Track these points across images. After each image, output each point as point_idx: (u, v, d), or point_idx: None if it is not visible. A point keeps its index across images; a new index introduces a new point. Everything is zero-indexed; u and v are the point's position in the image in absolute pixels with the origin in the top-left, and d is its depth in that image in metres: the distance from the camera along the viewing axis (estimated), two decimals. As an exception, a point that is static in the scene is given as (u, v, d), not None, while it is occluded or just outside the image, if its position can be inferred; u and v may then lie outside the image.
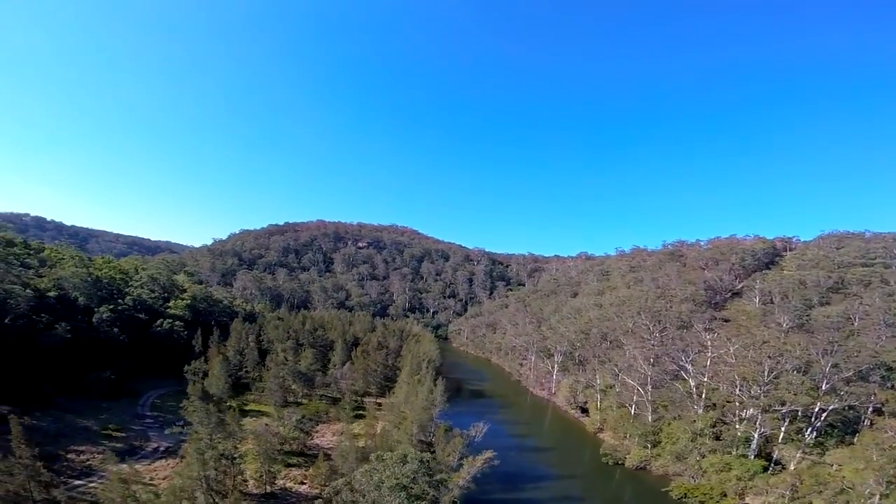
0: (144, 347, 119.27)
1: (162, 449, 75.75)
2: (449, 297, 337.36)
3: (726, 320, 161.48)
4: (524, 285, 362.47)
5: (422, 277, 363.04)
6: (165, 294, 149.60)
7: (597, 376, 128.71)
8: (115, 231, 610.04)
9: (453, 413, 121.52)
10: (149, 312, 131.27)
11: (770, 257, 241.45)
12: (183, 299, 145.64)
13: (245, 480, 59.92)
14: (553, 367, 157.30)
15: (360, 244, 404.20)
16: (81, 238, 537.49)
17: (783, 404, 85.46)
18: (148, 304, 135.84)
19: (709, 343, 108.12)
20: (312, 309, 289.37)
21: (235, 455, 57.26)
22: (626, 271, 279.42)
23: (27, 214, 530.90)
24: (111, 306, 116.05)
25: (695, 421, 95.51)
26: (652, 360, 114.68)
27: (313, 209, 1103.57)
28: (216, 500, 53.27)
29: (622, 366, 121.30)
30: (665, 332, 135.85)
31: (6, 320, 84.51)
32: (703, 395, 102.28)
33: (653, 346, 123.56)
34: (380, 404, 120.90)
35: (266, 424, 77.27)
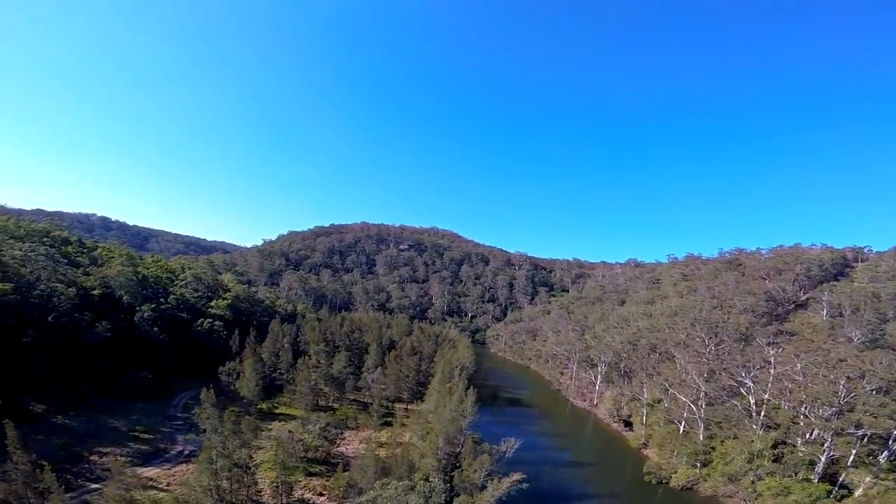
0: (184, 347, 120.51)
1: (186, 452, 74.48)
2: (488, 302, 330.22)
3: (792, 333, 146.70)
4: (568, 291, 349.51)
5: (461, 281, 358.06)
6: (209, 293, 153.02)
7: (644, 389, 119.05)
8: (174, 231, 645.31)
9: (487, 423, 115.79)
10: (191, 312, 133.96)
11: (839, 268, 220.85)
12: (225, 299, 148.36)
13: (259, 491, 57.09)
14: (596, 378, 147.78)
15: (401, 246, 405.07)
16: (143, 237, 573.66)
17: (859, 427, 74.62)
18: (190, 303, 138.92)
19: (773, 358, 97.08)
20: (354, 310, 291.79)
21: (250, 464, 54.48)
22: (679, 279, 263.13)
23: (94, 214, 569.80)
24: (153, 305, 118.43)
25: (753, 441, 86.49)
26: (706, 375, 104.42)
27: (357, 211, 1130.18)
28: (226, 511, 50.65)
29: (673, 380, 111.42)
30: (721, 345, 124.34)
31: (49, 318, 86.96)
32: (763, 414, 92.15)
33: (708, 360, 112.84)
34: (410, 411, 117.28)
35: (290, 431, 74.73)
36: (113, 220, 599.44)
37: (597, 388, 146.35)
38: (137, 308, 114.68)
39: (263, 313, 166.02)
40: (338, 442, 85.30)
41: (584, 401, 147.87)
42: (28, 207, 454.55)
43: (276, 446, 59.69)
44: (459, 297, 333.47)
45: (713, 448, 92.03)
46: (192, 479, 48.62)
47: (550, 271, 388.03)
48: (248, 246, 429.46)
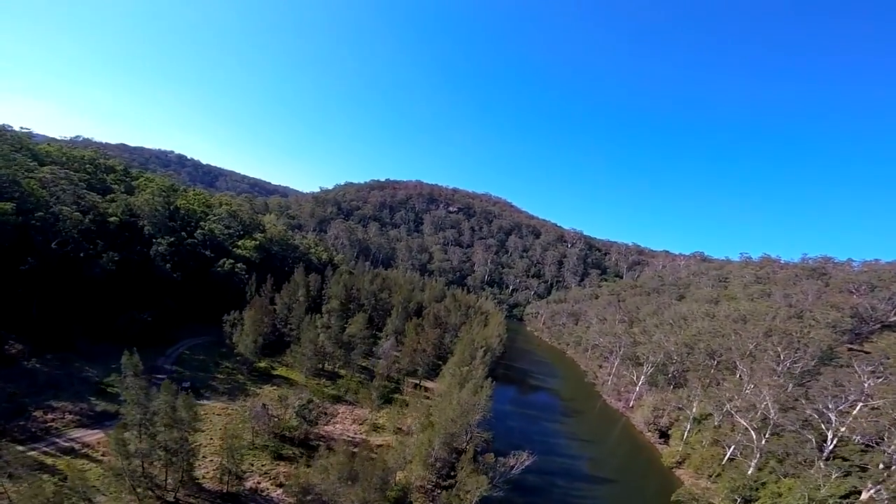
0: (201, 288, 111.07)
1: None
2: (532, 277, 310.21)
3: (867, 352, 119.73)
4: (622, 278, 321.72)
5: (507, 251, 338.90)
6: (242, 232, 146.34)
7: (694, 401, 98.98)
8: (242, 172, 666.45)
9: (506, 413, 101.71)
10: (217, 250, 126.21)
11: None
12: (254, 239, 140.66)
13: (195, 478, 46.20)
14: (638, 378, 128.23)
15: (450, 209, 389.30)
16: (213, 176, 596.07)
17: None
18: (218, 240, 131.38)
19: (868, 388, 75.41)
20: (395, 266, 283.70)
21: (184, 447, 43.23)
22: (751, 281, 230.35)
23: (172, 152, 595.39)
24: (172, 239, 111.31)
25: (819, 486, 66.68)
26: (782, 400, 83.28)
27: (414, 169, 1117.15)
28: (140, 497, 39.92)
29: (733, 397, 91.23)
30: (798, 363, 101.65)
31: (53, 245, 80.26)
32: (837, 456, 71.93)
33: (781, 380, 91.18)
34: (422, 388, 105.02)
35: (263, 405, 63.75)
36: (189, 157, 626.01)
37: (637, 389, 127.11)
38: (155, 241, 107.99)
39: (298, 260, 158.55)
40: (325, 419, 74.33)
41: (620, 401, 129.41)
42: (113, 142, 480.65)
43: (224, 430, 47.79)
44: (503, 267, 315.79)
45: (763, 484, 73.22)
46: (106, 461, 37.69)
47: (605, 253, 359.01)
48: (306, 192, 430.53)
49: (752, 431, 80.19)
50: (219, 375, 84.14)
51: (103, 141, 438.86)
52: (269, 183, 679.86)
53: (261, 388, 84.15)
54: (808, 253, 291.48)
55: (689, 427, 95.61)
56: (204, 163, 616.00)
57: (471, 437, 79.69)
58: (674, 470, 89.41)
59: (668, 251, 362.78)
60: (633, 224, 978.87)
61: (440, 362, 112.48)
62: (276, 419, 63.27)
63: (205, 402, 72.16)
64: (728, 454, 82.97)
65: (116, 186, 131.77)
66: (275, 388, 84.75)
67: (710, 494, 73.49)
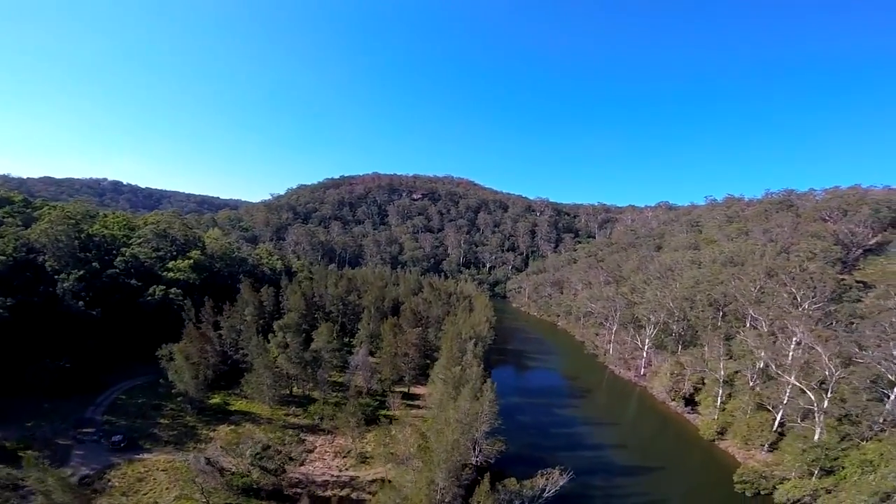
0: (129, 322, 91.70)
1: (78, 477, 49.92)
2: (508, 251, 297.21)
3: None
4: (594, 238, 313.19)
5: (478, 229, 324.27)
6: (176, 252, 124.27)
7: (720, 361, 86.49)
8: (187, 191, 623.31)
9: (512, 407, 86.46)
10: (145, 277, 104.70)
11: None
12: (188, 258, 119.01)
13: None
14: (643, 342, 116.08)
15: (414, 196, 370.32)
16: (155, 199, 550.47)
17: None
18: (146, 265, 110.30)
19: None
20: (364, 263, 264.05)
21: None
22: (723, 222, 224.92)
23: (105, 179, 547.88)
24: (82, 272, 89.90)
25: None
26: (837, 350, 71.50)
27: (368, 162, 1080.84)
28: None
29: (762, 351, 79.31)
30: (816, 302, 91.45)
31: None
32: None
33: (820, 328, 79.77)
34: (412, 396, 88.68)
35: (208, 460, 46.18)
36: (125, 183, 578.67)
37: (644, 354, 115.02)
38: (59, 277, 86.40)
39: (249, 273, 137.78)
40: (299, 460, 57.25)
41: (629, 370, 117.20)
42: (36, 176, 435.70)
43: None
44: (477, 246, 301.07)
45: (845, 451, 60.91)
46: None
47: (574, 217, 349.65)
48: (256, 202, 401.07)
49: (808, 392, 67.56)
50: (162, 421, 68.97)
51: (23, 176, 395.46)
52: (218, 198, 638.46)
53: (215, 429, 67.74)
54: (771, 188, 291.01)
55: (720, 391, 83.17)
56: (143, 186, 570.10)
57: (480, 451, 64.63)
58: (716, 442, 77.17)
59: (633, 205, 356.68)
60: (597, 184, 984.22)
61: (428, 361, 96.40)
62: (229, 473, 45.52)
63: (144, 455, 57.65)
64: (778, 419, 70.99)
65: (11, 219, 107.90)
66: (232, 427, 67.86)
67: (777, 469, 60.62)
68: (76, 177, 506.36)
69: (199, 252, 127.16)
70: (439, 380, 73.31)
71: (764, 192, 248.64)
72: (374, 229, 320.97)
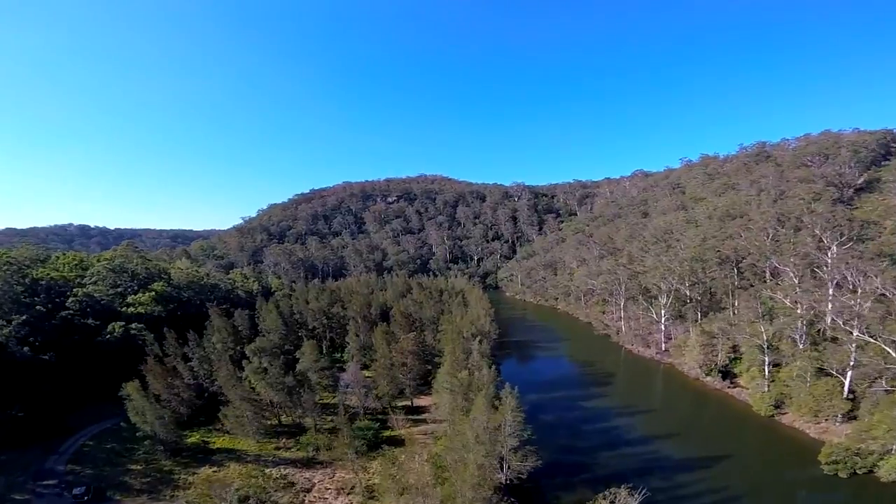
0: (90, 363, 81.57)
1: None
2: (493, 240, 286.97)
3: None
4: (576, 215, 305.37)
5: (459, 223, 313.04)
6: (137, 286, 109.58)
7: (760, 325, 76.16)
8: (159, 228, 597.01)
9: (533, 405, 74.98)
10: (103, 314, 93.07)
11: (885, 149, 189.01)
12: (150, 290, 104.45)
13: None
14: (660, 315, 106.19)
15: (389, 199, 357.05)
16: (126, 238, 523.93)
17: None
18: (102, 303, 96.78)
19: None
20: (348, 275, 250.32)
21: None
22: (705, 180, 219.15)
23: (70, 224, 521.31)
24: (25, 316, 77.51)
25: None
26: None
27: (338, 173, 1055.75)
28: None
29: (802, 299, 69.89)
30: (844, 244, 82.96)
31: None
32: None
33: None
34: (414, 410, 76.51)
35: None
36: (92, 226, 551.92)
37: (662, 327, 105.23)
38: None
39: (222, 299, 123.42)
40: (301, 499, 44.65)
41: (648, 347, 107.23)
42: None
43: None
44: (461, 240, 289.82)
45: None
46: None
47: (552, 197, 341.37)
48: (226, 228, 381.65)
49: (888, 349, 57.56)
50: (134, 467, 60.03)
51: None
52: (192, 231, 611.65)
53: (195, 472, 57.11)
54: (744, 142, 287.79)
55: (766, 360, 73.11)
56: (112, 228, 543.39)
57: (509, 468, 53.13)
58: (775, 418, 66.98)
59: (609, 178, 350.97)
60: (570, 162, 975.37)
61: (429, 367, 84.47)
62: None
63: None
64: (847, 384, 61.22)
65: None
66: (215, 469, 55.97)
67: (872, 443, 50.36)
68: (40, 225, 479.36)
69: (163, 284, 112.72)
70: (445, 389, 61.40)
71: (738, 147, 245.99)
72: (353, 238, 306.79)
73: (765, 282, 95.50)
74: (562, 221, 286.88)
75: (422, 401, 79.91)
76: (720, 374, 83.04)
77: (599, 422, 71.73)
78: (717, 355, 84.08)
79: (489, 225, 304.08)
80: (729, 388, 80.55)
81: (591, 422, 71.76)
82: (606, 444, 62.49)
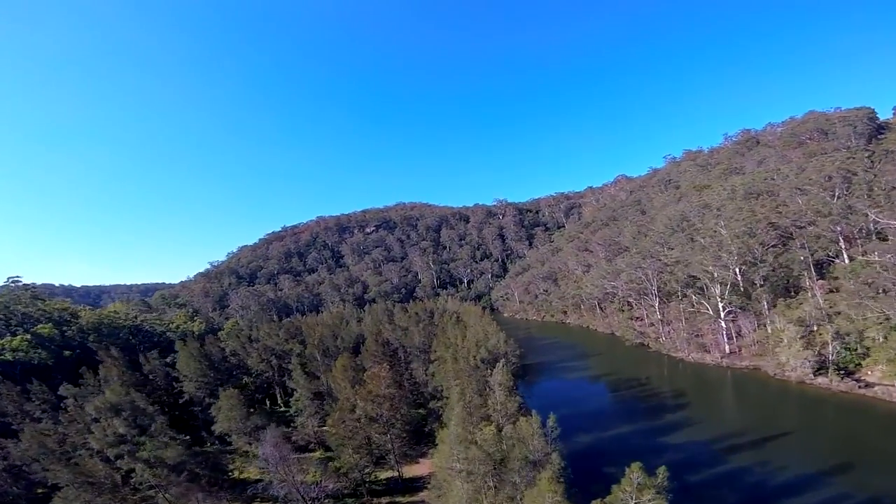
0: None
1: None
2: (482, 260, 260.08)
3: None
4: (564, 227, 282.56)
5: (444, 247, 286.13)
6: (15, 328, 77.90)
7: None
8: (129, 283, 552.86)
9: (598, 446, 46.23)
10: None
11: (874, 123, 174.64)
12: (32, 332, 72.85)
13: None
14: (718, 309, 79.04)
15: (367, 230, 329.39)
16: (94, 296, 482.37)
17: None
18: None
19: None
20: (325, 312, 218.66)
21: None
22: (699, 171, 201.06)
23: (33, 284, 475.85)
24: None
25: None
26: None
27: (311, 209, 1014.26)
28: None
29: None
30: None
31: None
32: None
33: None
34: (405, 485, 46.41)
35: None
36: (57, 285, 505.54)
37: (722, 325, 78.04)
38: None
39: (149, 344, 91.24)
40: None
41: (706, 351, 79.54)
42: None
43: None
44: (447, 264, 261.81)
45: None
46: None
47: (537, 212, 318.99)
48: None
49: None
50: None
51: None
52: (165, 283, 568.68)
53: None
54: (727, 132, 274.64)
55: None
56: (78, 285, 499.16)
57: None
58: None
59: (591, 186, 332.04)
60: (550, 175, 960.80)
61: (421, 411, 54.75)
62: None
63: None
64: None
65: None
66: None
67: None
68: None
69: (51, 326, 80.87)
70: (456, 471, 31.88)
71: (723, 137, 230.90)
72: (331, 274, 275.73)
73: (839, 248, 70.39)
74: (551, 234, 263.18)
75: (415, 468, 50.02)
76: (838, 372, 55.58)
77: (717, 466, 42.72)
78: (829, 349, 56.91)
79: (476, 245, 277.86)
80: (860, 387, 53.11)
81: (706, 466, 42.70)
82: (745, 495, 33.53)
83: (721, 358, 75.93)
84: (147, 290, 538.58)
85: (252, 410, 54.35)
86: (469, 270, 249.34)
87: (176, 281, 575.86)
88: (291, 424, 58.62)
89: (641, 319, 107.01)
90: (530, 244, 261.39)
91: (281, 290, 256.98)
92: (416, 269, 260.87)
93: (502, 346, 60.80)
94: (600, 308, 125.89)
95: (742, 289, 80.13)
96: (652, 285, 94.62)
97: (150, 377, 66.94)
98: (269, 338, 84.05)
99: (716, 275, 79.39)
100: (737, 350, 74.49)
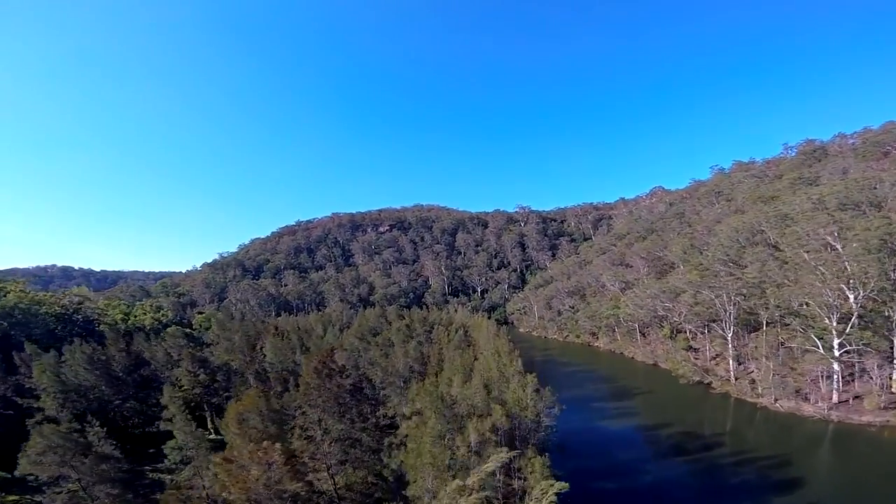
0: None
1: None
2: (499, 269, 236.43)
3: None
4: (591, 239, 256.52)
5: (459, 252, 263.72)
6: None
7: None
8: (146, 270, 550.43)
9: None
10: None
11: None
12: None
13: None
14: (833, 347, 54.13)
15: (380, 229, 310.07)
16: (110, 281, 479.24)
17: None
18: None
19: None
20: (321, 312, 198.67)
21: None
22: (756, 183, 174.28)
23: (53, 265, 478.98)
24: None
25: None
26: None
27: (328, 207, 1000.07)
28: None
29: None
30: None
31: None
32: None
33: None
34: None
35: None
36: (76, 268, 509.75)
37: (835, 367, 53.23)
38: None
39: (75, 333, 71.51)
40: None
41: (804, 400, 54.78)
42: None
43: None
44: (461, 270, 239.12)
45: None
46: None
47: (562, 221, 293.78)
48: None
49: None
50: None
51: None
52: (179, 272, 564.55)
53: None
54: (789, 141, 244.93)
55: None
56: (97, 269, 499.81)
57: None
58: None
59: (624, 198, 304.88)
60: (577, 184, 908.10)
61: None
62: None
63: None
64: None
65: None
66: None
67: None
68: (20, 266, 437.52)
69: None
70: None
71: (781, 147, 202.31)
72: (338, 272, 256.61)
73: None
74: (577, 245, 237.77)
75: None
76: None
77: None
78: None
79: (493, 253, 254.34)
80: None
81: None
82: None
83: (828, 409, 51.18)
84: (163, 278, 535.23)
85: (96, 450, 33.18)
86: (484, 279, 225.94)
87: (187, 268, 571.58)
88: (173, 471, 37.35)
89: (697, 351, 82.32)
90: (553, 255, 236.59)
91: (285, 285, 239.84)
92: (428, 274, 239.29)
93: (531, 405, 36.90)
94: (641, 333, 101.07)
95: (866, 322, 55.23)
96: (727, 311, 69.89)
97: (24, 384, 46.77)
98: (220, 342, 63.07)
99: (833, 302, 54.62)
100: (848, 400, 49.68)
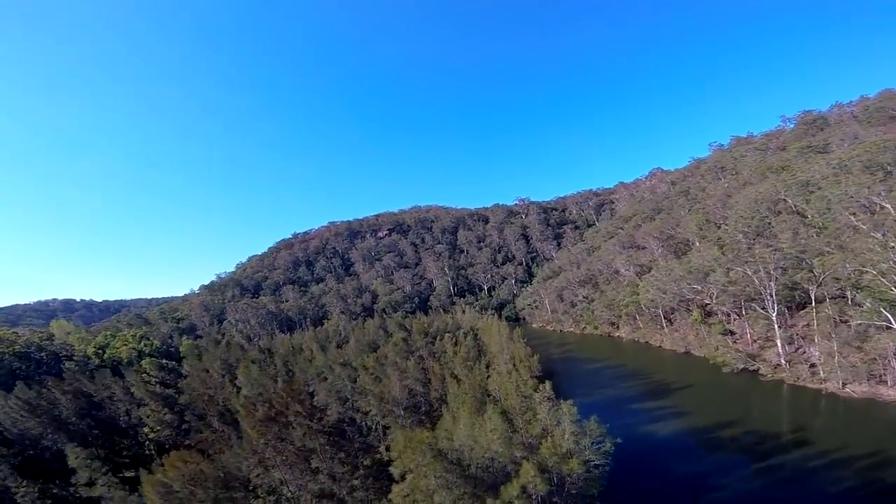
0: None
1: None
2: (504, 264, 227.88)
3: None
4: (594, 224, 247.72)
5: (462, 251, 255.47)
6: None
7: None
8: (149, 297, 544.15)
9: None
10: None
11: None
12: None
13: None
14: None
15: (379, 234, 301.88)
16: (113, 310, 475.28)
17: None
18: None
19: None
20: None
21: None
22: (761, 156, 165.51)
23: (54, 300, 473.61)
24: None
25: None
26: None
27: (324, 216, 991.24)
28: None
29: None
30: None
31: None
32: None
33: None
34: None
35: None
36: (78, 300, 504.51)
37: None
38: None
39: (40, 370, 63.95)
40: None
41: (882, 382, 46.16)
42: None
43: None
44: (465, 269, 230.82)
45: None
46: None
47: (563, 210, 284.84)
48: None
49: None
50: None
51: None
52: (180, 297, 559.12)
53: None
54: (785, 113, 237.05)
55: None
56: (99, 300, 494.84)
57: None
58: None
59: (623, 182, 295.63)
60: (576, 172, 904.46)
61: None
62: None
63: None
64: None
65: None
66: None
67: None
68: (21, 302, 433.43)
69: None
70: None
71: (780, 119, 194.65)
72: (339, 283, 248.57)
73: None
74: (582, 232, 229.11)
75: None
76: None
77: None
78: None
79: (497, 247, 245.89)
80: None
81: None
82: None
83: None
84: (164, 303, 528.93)
85: None
86: (489, 276, 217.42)
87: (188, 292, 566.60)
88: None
89: (735, 335, 73.71)
90: (559, 244, 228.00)
91: (286, 301, 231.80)
92: (431, 276, 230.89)
93: (572, 445, 28.10)
94: (667, 319, 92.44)
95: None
96: (766, 287, 61.21)
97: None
98: (193, 373, 54.89)
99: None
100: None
